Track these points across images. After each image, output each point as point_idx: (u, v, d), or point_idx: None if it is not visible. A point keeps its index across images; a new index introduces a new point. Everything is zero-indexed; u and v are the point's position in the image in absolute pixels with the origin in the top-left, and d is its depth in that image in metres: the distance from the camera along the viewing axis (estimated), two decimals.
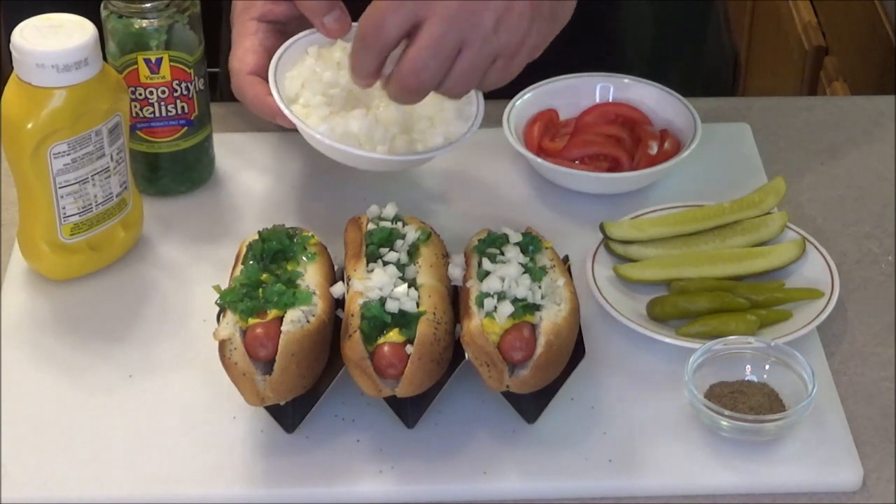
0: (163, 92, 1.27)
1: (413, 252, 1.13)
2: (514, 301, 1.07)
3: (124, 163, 1.23)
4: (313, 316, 1.07)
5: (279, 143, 1.40)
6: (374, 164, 1.20)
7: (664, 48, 1.51)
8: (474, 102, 1.23)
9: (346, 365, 1.07)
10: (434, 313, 1.07)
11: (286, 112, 1.18)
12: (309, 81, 1.21)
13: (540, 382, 1.08)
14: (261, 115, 1.22)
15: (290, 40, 1.24)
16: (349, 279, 1.11)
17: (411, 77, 1.11)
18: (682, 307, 1.19)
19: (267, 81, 1.21)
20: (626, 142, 1.35)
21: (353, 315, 1.07)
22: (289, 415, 1.09)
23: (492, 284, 1.09)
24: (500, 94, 1.26)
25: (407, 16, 1.11)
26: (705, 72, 1.56)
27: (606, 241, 1.25)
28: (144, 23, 1.24)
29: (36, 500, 1.07)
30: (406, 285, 1.08)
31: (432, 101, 1.19)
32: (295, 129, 1.21)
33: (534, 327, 1.07)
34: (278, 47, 1.23)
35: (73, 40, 1.15)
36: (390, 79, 1.13)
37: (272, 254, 1.11)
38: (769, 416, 1.08)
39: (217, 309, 1.10)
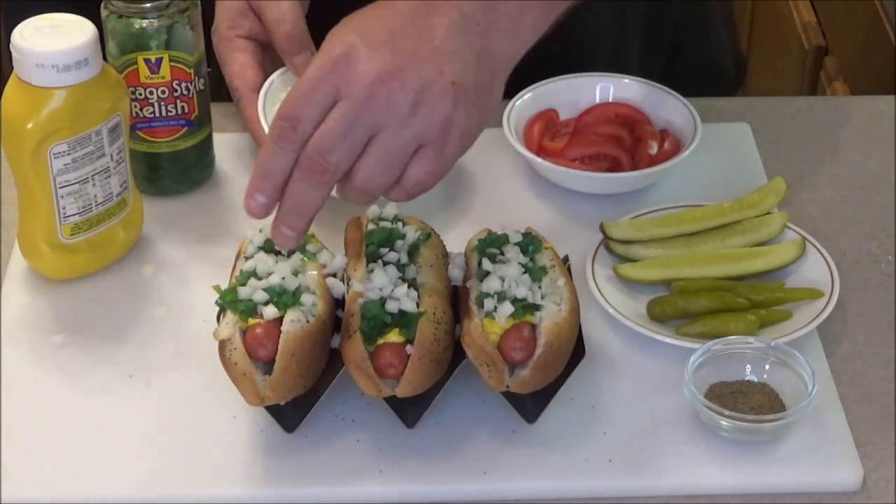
0: (163, 92, 1.27)
1: (413, 252, 1.13)
2: (514, 301, 1.07)
3: (124, 163, 1.23)
4: (313, 316, 1.07)
5: None
6: None
7: (659, 45, 1.51)
8: None
9: (346, 365, 1.07)
10: (434, 313, 1.07)
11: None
12: None
13: (540, 382, 1.08)
14: (253, 138, 1.25)
15: (283, 69, 1.27)
16: (349, 279, 1.11)
17: (317, 158, 1.01)
18: (682, 307, 1.19)
19: None
20: (626, 142, 1.35)
21: (353, 315, 1.07)
22: (289, 415, 1.09)
23: (492, 284, 1.08)
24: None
25: (326, 96, 1.02)
26: (707, 70, 1.56)
27: (606, 241, 1.25)
28: (144, 23, 1.24)
29: (36, 500, 1.07)
30: (406, 285, 1.08)
31: None
32: None
33: (534, 327, 1.07)
34: (265, 63, 1.27)
35: (73, 40, 1.15)
36: (297, 164, 1.03)
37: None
38: (769, 416, 1.08)
39: (217, 309, 1.10)
